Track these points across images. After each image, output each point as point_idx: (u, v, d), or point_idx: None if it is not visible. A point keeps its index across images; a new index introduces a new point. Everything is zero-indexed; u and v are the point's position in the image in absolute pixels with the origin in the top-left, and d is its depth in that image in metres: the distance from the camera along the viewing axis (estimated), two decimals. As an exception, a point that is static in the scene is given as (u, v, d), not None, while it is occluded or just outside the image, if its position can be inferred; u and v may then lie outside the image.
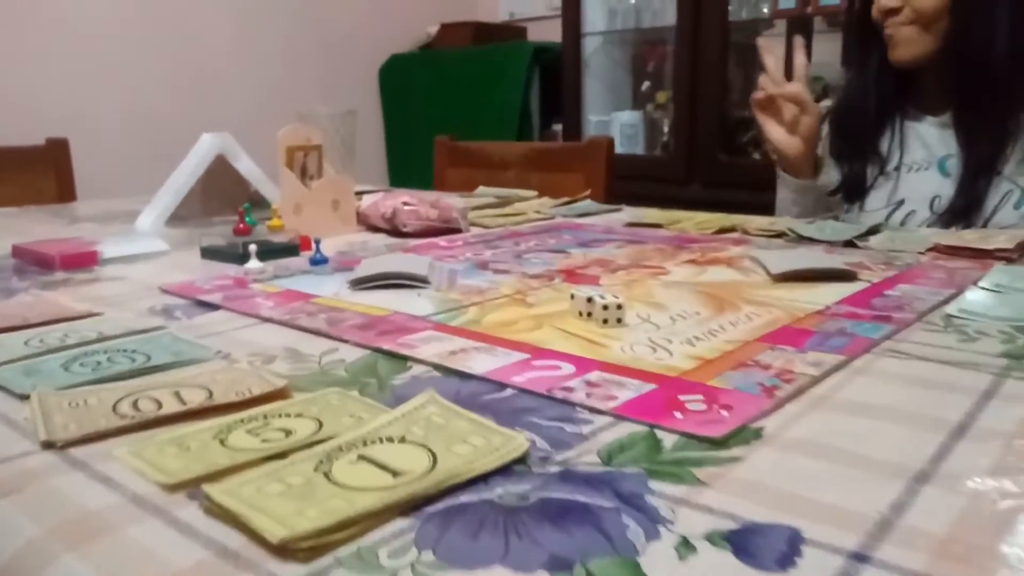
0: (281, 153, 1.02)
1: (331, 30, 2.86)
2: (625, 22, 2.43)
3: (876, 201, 1.21)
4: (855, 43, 1.19)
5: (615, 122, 2.40)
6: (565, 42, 2.42)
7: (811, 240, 0.92)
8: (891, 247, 0.86)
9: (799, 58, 1.15)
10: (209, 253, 0.87)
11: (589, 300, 0.58)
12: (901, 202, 1.17)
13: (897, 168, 1.19)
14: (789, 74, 1.17)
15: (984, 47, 1.08)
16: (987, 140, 1.11)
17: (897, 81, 1.17)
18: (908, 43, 1.12)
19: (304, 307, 0.63)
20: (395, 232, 1.02)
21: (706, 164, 2.09)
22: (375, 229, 1.06)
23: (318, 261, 0.81)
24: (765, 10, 2.10)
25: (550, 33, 2.76)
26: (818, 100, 1.22)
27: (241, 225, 0.88)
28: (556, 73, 2.52)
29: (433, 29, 2.97)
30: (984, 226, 1.09)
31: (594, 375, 0.45)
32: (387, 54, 2.95)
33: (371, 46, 2.95)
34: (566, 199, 1.31)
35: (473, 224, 1.08)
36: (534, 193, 1.39)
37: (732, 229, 1.02)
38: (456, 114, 2.65)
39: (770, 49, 1.18)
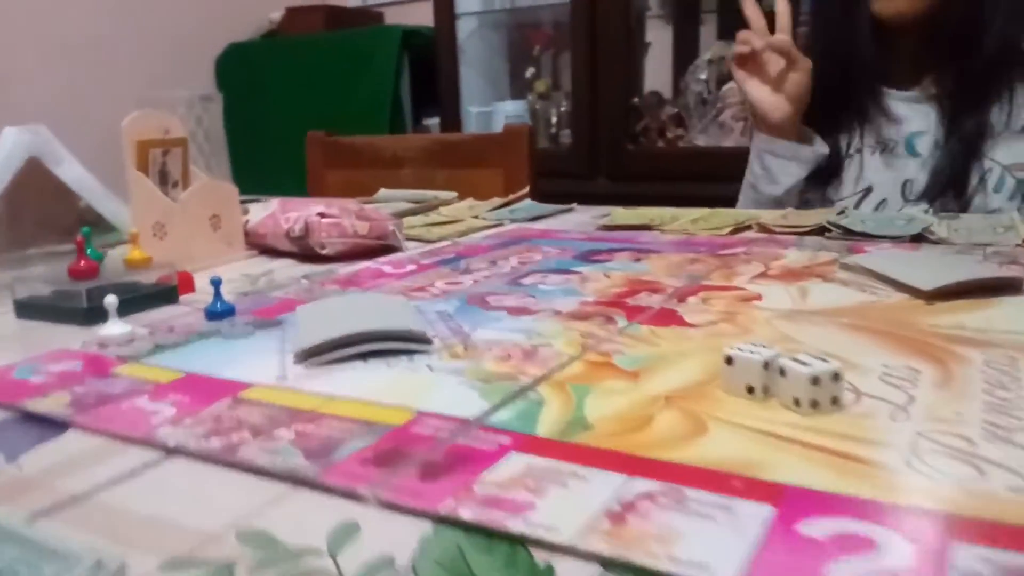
0: (130, 151, 0.71)
1: (157, 17, 2.44)
2: (503, 2, 2.20)
3: (842, 188, 1.04)
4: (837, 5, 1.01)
5: (498, 113, 2.17)
6: (438, 25, 2.15)
7: (865, 236, 0.72)
8: (973, 238, 0.68)
9: (781, 4, 0.96)
10: (29, 310, 0.55)
11: (767, 366, 0.33)
12: (869, 189, 1.02)
13: (860, 150, 1.03)
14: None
15: (980, 9, 0.94)
16: (973, 114, 0.96)
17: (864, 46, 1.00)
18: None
19: (236, 412, 0.34)
20: (307, 255, 0.73)
21: (612, 156, 1.90)
22: (273, 252, 0.77)
23: (220, 312, 0.51)
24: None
25: (409, 18, 2.48)
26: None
27: (82, 263, 0.56)
28: (426, 61, 2.25)
29: (277, 15, 2.61)
30: (963, 211, 0.95)
31: (967, 554, 0.21)
32: (224, 43, 2.56)
33: (204, 34, 2.55)
34: (502, 200, 1.05)
35: (407, 239, 0.81)
36: (454, 194, 1.13)
37: (747, 227, 0.81)
38: (314, 108, 2.31)
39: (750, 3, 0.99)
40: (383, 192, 1.19)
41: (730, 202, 1.75)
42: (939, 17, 0.95)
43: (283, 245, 0.75)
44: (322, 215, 0.71)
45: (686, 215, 0.87)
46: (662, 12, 2.18)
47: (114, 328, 0.47)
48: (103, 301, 0.47)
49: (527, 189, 1.08)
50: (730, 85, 1.87)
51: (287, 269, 0.70)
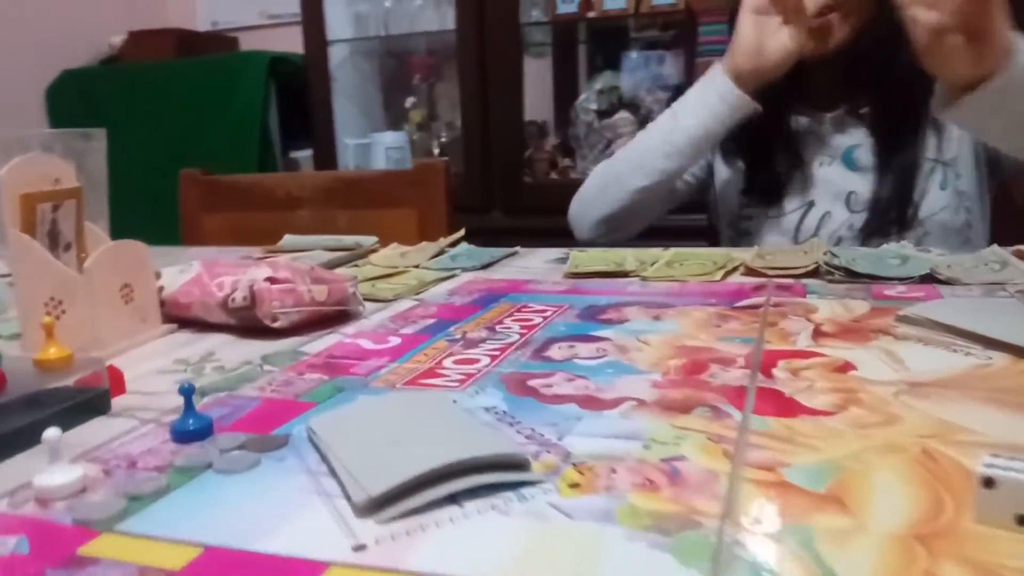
0: (11, 207, 0.55)
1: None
2: (377, 28, 2.08)
3: (785, 203, 1.03)
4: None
5: (376, 145, 2.04)
6: (309, 52, 2.00)
7: (871, 277, 0.67)
8: (979, 277, 0.65)
9: None
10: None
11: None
12: (812, 203, 1.00)
13: (798, 166, 1.02)
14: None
15: (892, 38, 0.94)
16: (904, 128, 0.97)
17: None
18: (835, 32, 0.94)
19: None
20: (250, 327, 0.59)
21: (507, 189, 1.82)
22: (197, 325, 0.62)
23: (195, 431, 0.38)
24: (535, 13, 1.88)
25: (266, 44, 2.31)
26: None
27: (-24, 369, 0.41)
28: (293, 90, 2.09)
29: (118, 39, 2.35)
30: (914, 215, 0.95)
31: None
32: (56, 71, 2.27)
33: (31, 62, 2.25)
34: (434, 244, 0.95)
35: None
36: (373, 239, 1.01)
37: (733, 269, 0.75)
38: (170, 143, 2.08)
39: None
40: (288, 239, 1.05)
41: (641, 233, 1.73)
42: (860, 48, 0.94)
43: (216, 317, 0.60)
44: (272, 280, 0.58)
45: (651, 257, 0.80)
46: (540, 42, 2.15)
47: (58, 474, 0.32)
48: (41, 434, 0.33)
49: (463, 231, 0.98)
50: (621, 115, 1.86)
51: (232, 349, 0.56)
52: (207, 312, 0.61)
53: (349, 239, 1.00)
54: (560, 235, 1.78)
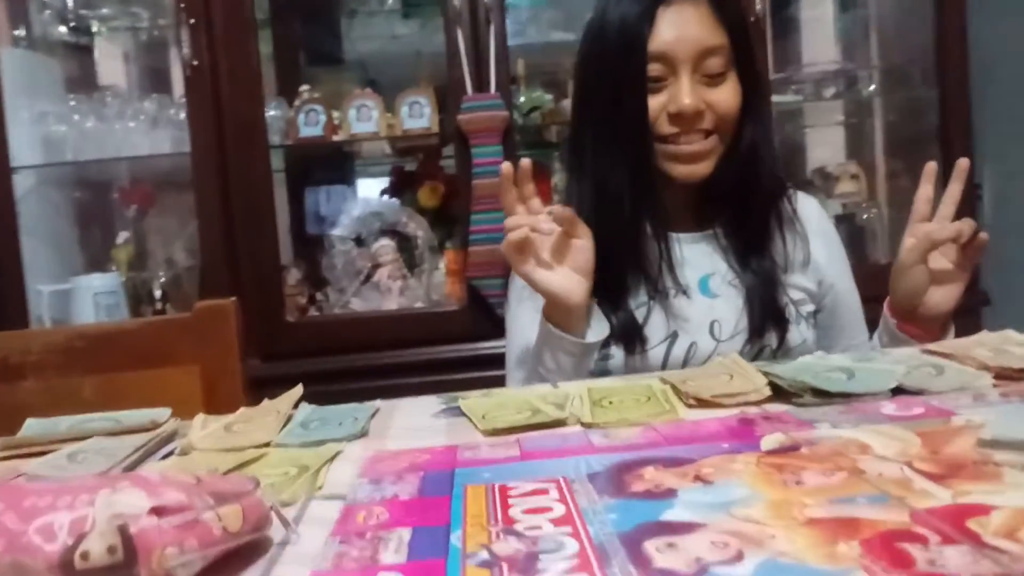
0: None
1: None
2: (74, 152, 1.74)
3: (651, 338, 0.96)
4: (621, 157, 0.93)
5: (81, 291, 1.66)
6: (-15, 181, 1.60)
7: (844, 395, 0.61)
8: (949, 384, 0.62)
9: (527, 189, 0.84)
10: None
11: None
12: (675, 335, 0.95)
13: (653, 297, 0.96)
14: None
15: (768, 156, 0.96)
16: (760, 252, 0.98)
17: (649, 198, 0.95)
18: (711, 157, 0.93)
19: None
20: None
21: (265, 331, 1.57)
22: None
23: None
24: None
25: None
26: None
27: None
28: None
29: None
30: (781, 342, 0.95)
31: None
32: None
33: None
34: (272, 408, 0.72)
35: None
36: (166, 411, 0.74)
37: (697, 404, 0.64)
38: None
39: (509, 174, 0.85)
40: (33, 425, 0.74)
41: (420, 367, 1.58)
42: (719, 172, 0.94)
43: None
44: (158, 511, 0.35)
45: (558, 397, 0.67)
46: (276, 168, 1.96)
47: None
48: None
49: (300, 389, 0.76)
50: (382, 243, 1.72)
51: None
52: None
53: (137, 415, 0.73)
54: (337, 377, 1.57)
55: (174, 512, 0.35)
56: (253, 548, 0.40)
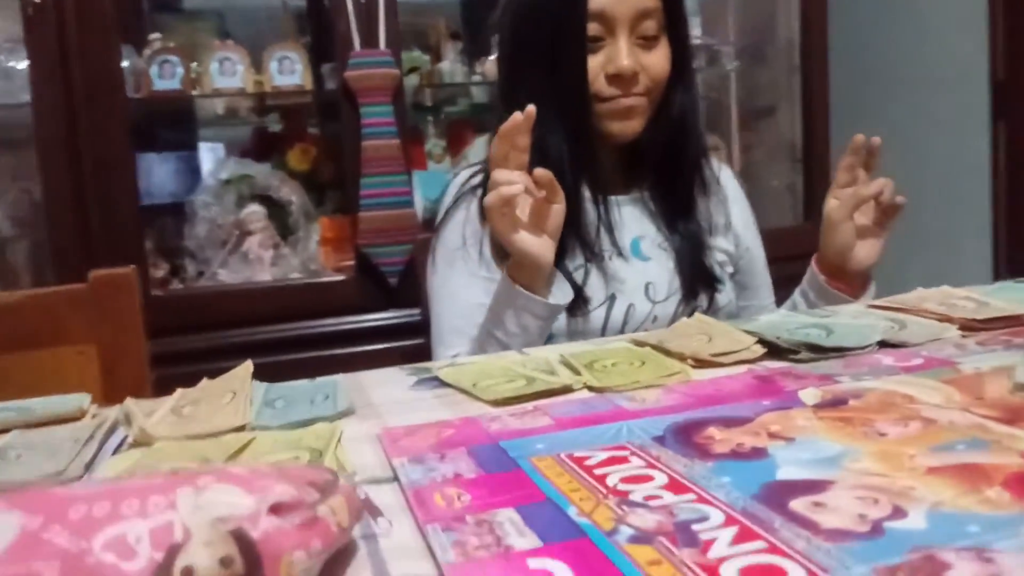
0: None
1: None
2: None
3: (591, 300, 0.95)
4: (559, 118, 0.90)
5: None
6: None
7: (838, 350, 0.62)
8: (923, 337, 0.65)
9: (522, 140, 0.80)
10: None
11: None
12: (613, 297, 0.95)
13: (590, 260, 0.95)
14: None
15: (694, 122, 0.97)
16: (687, 214, 1.00)
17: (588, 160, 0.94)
18: (642, 115, 0.92)
19: None
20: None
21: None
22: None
23: None
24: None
25: None
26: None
27: None
28: None
29: None
30: (711, 302, 0.97)
31: None
32: None
33: None
34: (229, 388, 0.63)
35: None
36: (85, 397, 0.64)
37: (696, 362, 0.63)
38: None
39: (503, 135, 0.80)
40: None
41: (303, 342, 1.48)
42: (649, 134, 0.94)
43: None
44: (276, 508, 0.28)
45: (544, 365, 0.64)
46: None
47: None
48: None
49: (250, 365, 0.67)
50: (252, 208, 1.59)
51: None
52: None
53: (54, 402, 0.61)
54: (211, 356, 1.43)
55: (291, 510, 0.29)
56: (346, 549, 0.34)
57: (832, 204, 0.93)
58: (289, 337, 1.48)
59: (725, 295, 0.98)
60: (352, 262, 1.56)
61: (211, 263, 1.58)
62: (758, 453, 0.42)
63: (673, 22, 0.94)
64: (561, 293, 0.86)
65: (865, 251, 0.92)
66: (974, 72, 1.97)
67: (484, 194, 0.92)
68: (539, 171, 0.79)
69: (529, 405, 0.55)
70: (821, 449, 0.41)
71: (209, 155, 1.76)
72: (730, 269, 1.03)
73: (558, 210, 0.82)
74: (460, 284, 0.94)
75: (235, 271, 1.59)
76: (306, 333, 1.48)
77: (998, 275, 1.94)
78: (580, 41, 0.89)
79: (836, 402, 0.49)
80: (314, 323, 1.49)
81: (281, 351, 1.45)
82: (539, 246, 0.82)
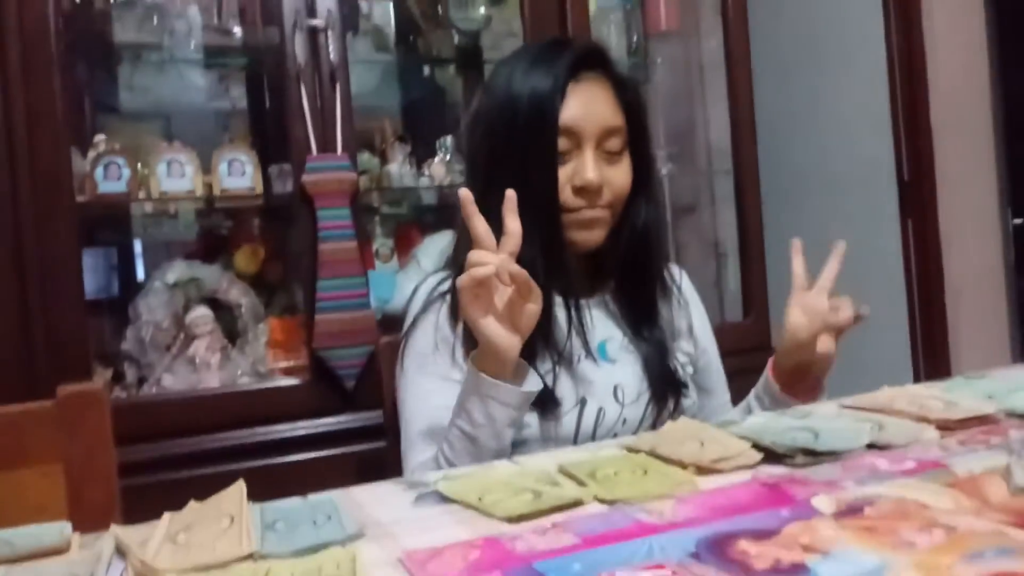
0: None
1: None
2: None
3: (561, 405, 0.96)
4: (531, 227, 0.91)
5: None
6: None
7: (831, 454, 0.64)
8: (905, 438, 0.68)
9: (512, 224, 0.82)
10: None
11: None
12: (584, 400, 0.96)
13: (557, 363, 0.97)
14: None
15: (657, 230, 1.02)
16: (650, 319, 1.03)
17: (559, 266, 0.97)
18: (604, 226, 0.97)
19: None
20: None
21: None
22: None
23: None
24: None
25: None
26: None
27: None
28: None
29: None
30: (676, 405, 1.00)
31: None
32: None
33: None
34: (222, 511, 0.60)
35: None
36: (66, 526, 0.60)
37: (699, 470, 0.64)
38: None
39: (476, 213, 0.83)
40: None
41: (255, 449, 1.42)
42: (611, 243, 0.98)
43: None
44: None
45: (545, 477, 0.65)
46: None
47: None
48: None
49: (242, 484, 0.64)
50: (200, 312, 1.55)
51: None
52: None
53: (32, 532, 0.57)
54: (157, 466, 1.36)
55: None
56: None
57: (799, 321, 0.93)
58: (244, 444, 1.43)
59: (690, 397, 1.01)
60: (303, 363, 1.53)
61: (155, 368, 1.53)
62: (798, 568, 0.42)
63: (636, 139, 0.99)
64: (532, 381, 0.86)
65: (825, 361, 0.96)
66: (883, 173, 2.10)
67: (454, 300, 0.94)
68: (514, 269, 0.80)
69: (546, 521, 0.55)
70: (860, 562, 0.43)
71: (153, 256, 1.72)
72: (691, 370, 1.05)
73: (532, 311, 0.83)
74: (431, 388, 0.94)
75: (181, 377, 1.53)
76: (260, 440, 1.43)
77: (917, 365, 2.02)
78: (552, 154, 0.93)
79: (853, 510, 0.51)
80: (267, 429, 1.44)
81: (234, 459, 1.40)
82: (506, 338, 0.82)
